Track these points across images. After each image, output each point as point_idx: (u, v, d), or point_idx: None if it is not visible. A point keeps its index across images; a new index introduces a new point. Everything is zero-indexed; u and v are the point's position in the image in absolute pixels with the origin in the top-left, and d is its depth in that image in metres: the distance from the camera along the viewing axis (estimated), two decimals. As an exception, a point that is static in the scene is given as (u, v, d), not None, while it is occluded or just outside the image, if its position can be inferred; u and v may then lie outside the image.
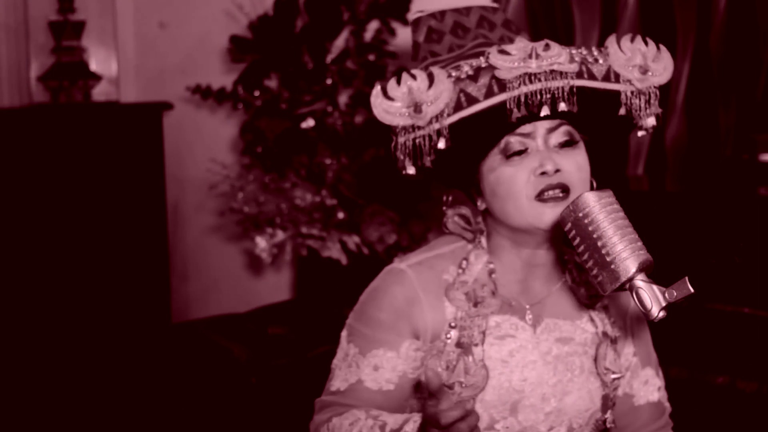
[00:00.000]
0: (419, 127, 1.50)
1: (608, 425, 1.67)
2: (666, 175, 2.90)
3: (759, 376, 2.12)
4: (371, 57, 3.15)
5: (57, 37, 3.62)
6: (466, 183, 1.62)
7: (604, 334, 1.66)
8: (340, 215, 3.11)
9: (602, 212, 1.39)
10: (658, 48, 1.58)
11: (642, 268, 1.37)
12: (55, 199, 3.41)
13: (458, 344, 1.58)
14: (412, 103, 1.49)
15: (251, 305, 2.86)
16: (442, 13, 1.67)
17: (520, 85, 1.47)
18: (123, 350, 3.52)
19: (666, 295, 1.36)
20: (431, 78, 1.50)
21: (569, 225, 1.41)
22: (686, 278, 1.35)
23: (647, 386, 1.73)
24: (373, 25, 3.19)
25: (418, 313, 1.60)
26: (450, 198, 1.66)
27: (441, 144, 1.50)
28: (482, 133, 1.52)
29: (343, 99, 3.17)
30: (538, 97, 1.48)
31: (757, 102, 2.76)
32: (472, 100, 1.49)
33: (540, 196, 1.52)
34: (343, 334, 1.66)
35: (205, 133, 3.79)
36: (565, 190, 1.52)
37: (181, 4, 3.85)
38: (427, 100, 1.49)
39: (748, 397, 2.10)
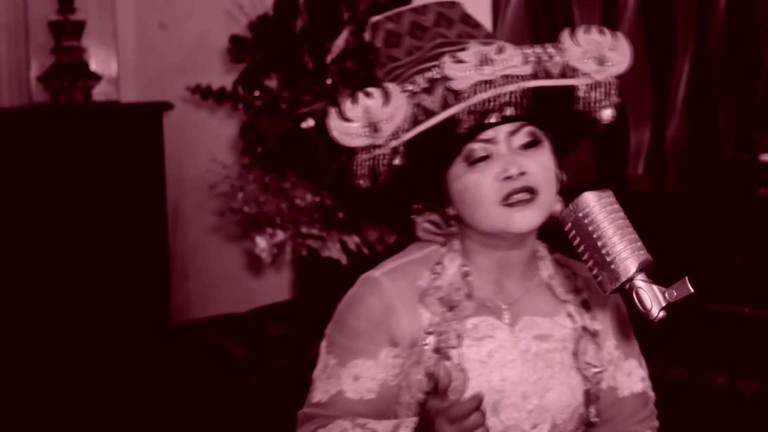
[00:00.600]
0: (378, 146, 1.51)
1: (592, 419, 1.67)
2: (666, 175, 2.90)
3: (759, 376, 2.12)
4: (371, 57, 3.15)
5: (57, 37, 3.62)
6: (435, 192, 1.62)
7: (584, 328, 1.66)
8: (340, 215, 3.11)
9: (602, 212, 1.39)
10: (615, 36, 1.57)
11: (642, 268, 1.37)
12: (55, 200, 3.41)
13: (436, 350, 1.58)
14: (369, 122, 1.50)
15: (251, 305, 2.87)
16: (399, 15, 1.66)
17: (474, 93, 1.47)
18: (123, 350, 3.52)
19: (666, 295, 1.36)
20: (387, 95, 1.50)
21: (569, 225, 1.41)
22: (686, 278, 1.35)
23: (631, 378, 1.72)
24: (374, 25, 3.19)
25: (394, 321, 1.60)
26: (419, 206, 1.66)
27: (397, 161, 1.50)
28: (443, 143, 1.52)
29: (343, 99, 3.17)
30: (492, 103, 1.48)
31: (757, 102, 2.76)
32: (428, 113, 1.49)
33: (506, 201, 1.53)
34: (323, 344, 1.66)
35: (205, 133, 3.79)
36: (531, 192, 1.53)
37: (181, 4, 3.85)
38: (384, 117, 1.49)
39: (748, 397, 2.10)
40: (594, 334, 1.67)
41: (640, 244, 1.38)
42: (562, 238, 1.46)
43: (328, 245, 3.10)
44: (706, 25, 2.77)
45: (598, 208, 1.39)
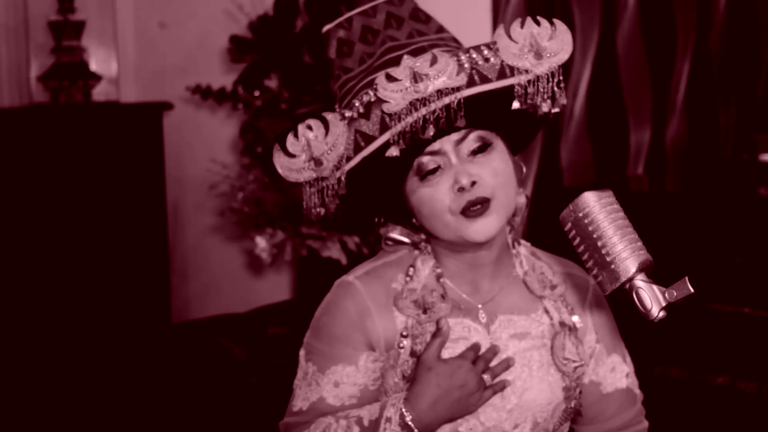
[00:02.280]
0: (324, 177, 1.51)
1: (571, 413, 1.67)
2: (666, 175, 2.90)
3: (759, 376, 2.12)
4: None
5: (57, 37, 3.62)
6: (397, 207, 1.62)
7: (562, 323, 1.66)
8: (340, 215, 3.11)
9: (602, 212, 1.38)
10: (552, 24, 1.53)
11: (642, 268, 1.37)
12: (55, 199, 3.41)
13: (412, 353, 1.58)
14: (311, 156, 1.50)
15: (251, 305, 2.86)
16: (350, 20, 1.65)
17: (409, 113, 1.46)
18: (123, 350, 3.52)
19: (666, 295, 1.36)
20: (326, 125, 1.49)
21: (569, 225, 1.41)
22: (686, 278, 1.35)
23: (614, 373, 1.72)
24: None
25: (370, 325, 1.59)
26: (381, 219, 1.66)
27: (341, 191, 1.51)
28: (392, 162, 1.51)
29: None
30: (431, 118, 1.46)
31: (757, 102, 2.76)
32: (368, 139, 1.49)
33: (464, 213, 1.52)
34: (301, 353, 1.65)
35: (205, 133, 3.79)
36: (485, 201, 1.52)
37: (181, 4, 3.85)
38: (326, 149, 1.49)
39: (748, 397, 2.10)
40: (572, 329, 1.67)
41: (640, 244, 1.38)
42: (562, 238, 1.46)
43: (328, 245, 3.10)
44: (706, 25, 2.77)
45: (598, 208, 1.39)
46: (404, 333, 1.59)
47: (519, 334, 1.63)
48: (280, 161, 1.52)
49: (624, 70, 2.86)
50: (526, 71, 1.49)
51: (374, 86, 1.49)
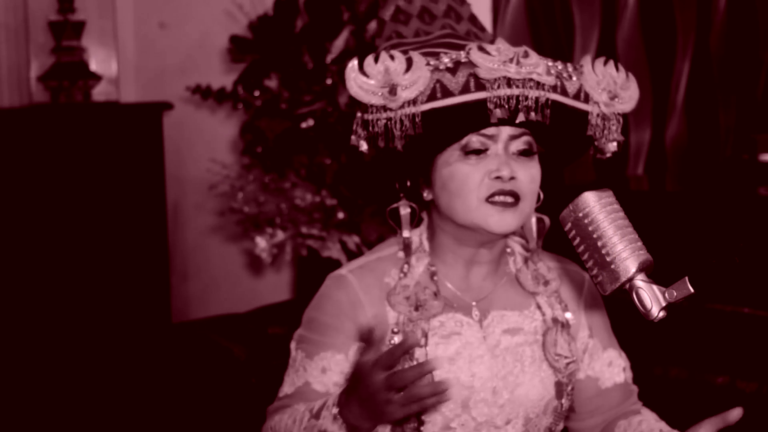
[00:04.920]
0: (389, 109, 1.49)
1: (563, 410, 1.67)
2: (666, 175, 2.90)
3: (759, 376, 2.12)
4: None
5: (57, 37, 3.62)
6: (418, 172, 1.61)
7: (555, 320, 1.66)
8: (340, 215, 3.11)
9: (602, 212, 1.38)
10: (627, 76, 1.59)
11: (642, 268, 1.37)
12: (55, 199, 3.41)
13: None
14: (387, 83, 1.48)
15: (251, 305, 2.86)
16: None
17: (498, 87, 1.47)
18: (123, 350, 3.52)
19: (666, 295, 1.36)
20: (409, 63, 1.49)
21: (569, 225, 1.41)
22: (686, 278, 1.35)
23: (612, 368, 1.73)
24: (373, 25, 3.19)
25: (362, 316, 1.60)
26: (406, 182, 1.64)
27: (412, 131, 1.49)
28: (448, 126, 1.52)
29: (343, 99, 3.17)
30: (514, 102, 1.48)
31: (757, 102, 2.76)
32: (446, 93, 1.48)
33: (490, 198, 1.53)
34: (292, 344, 1.67)
35: (205, 133, 3.79)
36: (515, 198, 1.54)
37: (181, 4, 3.85)
38: (403, 83, 1.48)
39: (748, 397, 2.10)
40: (566, 325, 1.67)
41: (640, 244, 1.38)
42: (562, 238, 1.46)
43: (328, 245, 3.10)
44: (706, 25, 2.76)
45: (598, 208, 1.39)
46: (395, 329, 1.60)
47: (511, 330, 1.64)
48: (354, 78, 1.49)
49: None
50: (597, 105, 1.54)
51: (467, 50, 1.49)
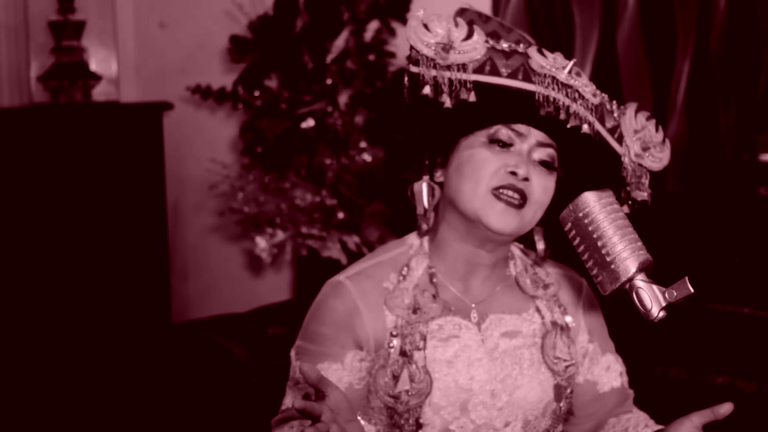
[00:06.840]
0: (437, 66, 1.50)
1: (562, 413, 1.67)
2: (666, 175, 2.90)
3: (759, 376, 2.12)
4: (371, 57, 3.15)
5: (57, 37, 3.62)
6: (438, 149, 1.62)
7: (553, 323, 1.67)
8: (340, 215, 3.11)
9: (602, 212, 1.39)
10: (663, 141, 1.62)
11: (642, 268, 1.37)
12: (55, 199, 3.41)
13: (401, 353, 1.58)
14: (444, 41, 1.50)
15: (251, 305, 2.86)
16: (488, 18, 1.69)
17: (547, 85, 1.49)
18: (123, 350, 3.52)
19: (666, 295, 1.36)
20: (470, 32, 1.51)
21: (569, 225, 1.41)
22: (686, 278, 1.35)
23: (609, 372, 1.74)
24: (373, 25, 3.19)
25: (358, 324, 1.61)
26: (433, 157, 1.65)
27: (471, 97, 1.49)
28: (484, 109, 1.53)
29: (343, 99, 3.17)
30: (554, 106, 1.50)
31: (757, 102, 2.76)
32: (495, 71, 1.50)
33: (498, 190, 1.53)
34: (292, 353, 1.67)
35: (205, 132, 3.79)
36: (523, 198, 1.54)
37: (181, 4, 3.85)
38: (458, 48, 1.49)
39: (748, 397, 2.10)
40: (564, 328, 1.67)
41: (640, 244, 1.38)
42: (562, 238, 1.46)
43: (328, 245, 3.10)
44: (706, 25, 2.76)
45: (598, 208, 1.39)
46: (394, 332, 1.60)
47: (510, 333, 1.64)
48: (415, 27, 1.51)
49: (624, 70, 2.86)
50: (629, 150, 1.57)
51: (526, 44, 1.52)
